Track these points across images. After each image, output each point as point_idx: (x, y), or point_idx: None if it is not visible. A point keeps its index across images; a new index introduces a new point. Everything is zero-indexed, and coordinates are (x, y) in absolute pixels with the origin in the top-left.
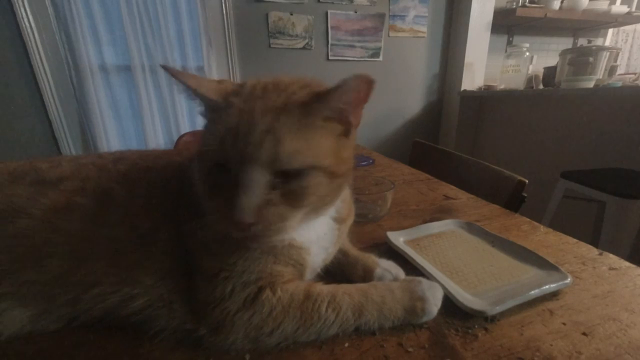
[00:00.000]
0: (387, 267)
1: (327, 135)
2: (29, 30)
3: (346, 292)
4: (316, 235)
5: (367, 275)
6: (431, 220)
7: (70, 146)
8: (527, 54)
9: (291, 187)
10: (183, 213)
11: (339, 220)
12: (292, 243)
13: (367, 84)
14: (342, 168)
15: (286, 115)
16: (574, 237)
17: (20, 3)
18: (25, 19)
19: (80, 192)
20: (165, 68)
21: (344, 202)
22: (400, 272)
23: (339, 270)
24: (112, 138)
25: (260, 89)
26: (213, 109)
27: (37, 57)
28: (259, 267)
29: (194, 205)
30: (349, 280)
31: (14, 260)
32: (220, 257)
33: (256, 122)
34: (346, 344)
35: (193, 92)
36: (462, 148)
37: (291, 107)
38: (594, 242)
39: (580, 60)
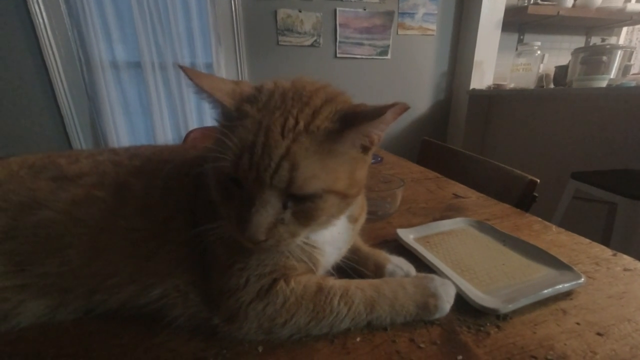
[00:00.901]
0: (398, 263)
1: (347, 160)
2: (42, 27)
3: (358, 287)
4: (331, 235)
5: (378, 271)
6: (441, 219)
7: (81, 141)
8: (538, 52)
9: (303, 207)
10: (199, 204)
11: (352, 219)
12: (305, 242)
13: (402, 111)
14: (354, 190)
15: (307, 138)
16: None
17: (34, 0)
18: (39, 16)
19: (99, 186)
20: (182, 68)
21: (356, 202)
22: (411, 269)
23: (350, 266)
24: (122, 133)
25: (279, 97)
26: (228, 116)
27: (50, 53)
28: (272, 260)
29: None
30: (360, 276)
31: (33, 251)
32: (235, 250)
33: (274, 143)
34: (358, 339)
35: (207, 96)
36: (471, 147)
37: (314, 130)
38: (604, 243)
39: (593, 59)
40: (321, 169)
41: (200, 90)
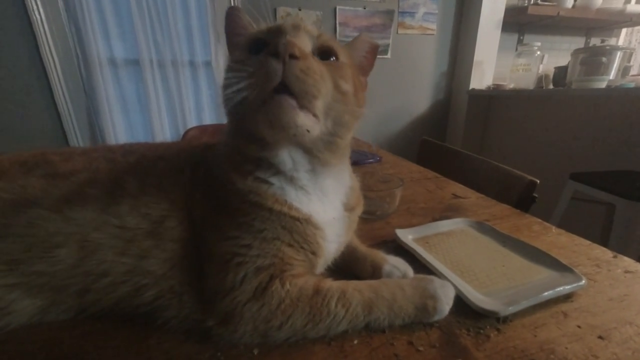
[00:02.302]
0: (395, 263)
1: (351, 63)
2: (39, 22)
3: (356, 288)
4: (327, 217)
5: (375, 272)
6: (440, 219)
7: (78, 138)
8: (538, 53)
9: (329, 62)
10: (198, 199)
11: (348, 207)
12: (310, 220)
13: (372, 46)
14: (359, 93)
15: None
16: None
17: None
18: (36, 12)
19: (92, 183)
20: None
21: (352, 190)
22: (408, 269)
23: (347, 267)
24: (120, 131)
25: None
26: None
27: (47, 49)
28: (273, 250)
29: (211, 190)
30: (357, 276)
31: (25, 250)
32: (235, 240)
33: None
34: (355, 341)
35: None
36: (470, 147)
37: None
38: (603, 244)
39: (593, 60)
40: (338, 44)
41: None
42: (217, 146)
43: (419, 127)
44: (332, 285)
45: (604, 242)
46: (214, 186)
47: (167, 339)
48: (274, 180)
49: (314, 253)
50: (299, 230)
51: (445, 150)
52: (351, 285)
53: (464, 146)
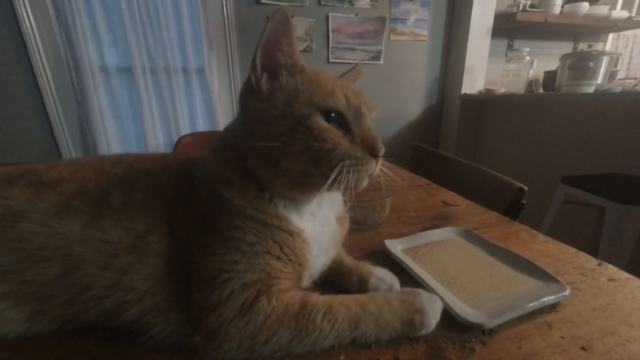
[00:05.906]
0: (382, 276)
1: None
2: (29, 30)
3: (342, 303)
4: (316, 231)
5: (362, 285)
6: (430, 228)
7: (70, 147)
8: (528, 58)
9: None
10: (181, 215)
11: (339, 217)
12: (301, 234)
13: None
14: None
15: None
16: (573, 242)
17: (22, 3)
18: (26, 20)
19: (78, 195)
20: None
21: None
22: (395, 282)
23: (334, 280)
24: (112, 139)
25: None
26: None
27: (38, 57)
28: (262, 264)
29: (194, 206)
30: (344, 289)
31: (16, 262)
32: (222, 257)
33: None
34: (342, 357)
35: None
36: (462, 152)
37: None
38: (594, 247)
39: (581, 65)
40: None
41: None
42: (201, 161)
43: (411, 132)
44: (319, 300)
45: (595, 244)
46: (199, 202)
47: (153, 358)
48: (277, 200)
49: (300, 265)
50: (289, 243)
51: (437, 157)
52: (337, 299)
53: (457, 150)
